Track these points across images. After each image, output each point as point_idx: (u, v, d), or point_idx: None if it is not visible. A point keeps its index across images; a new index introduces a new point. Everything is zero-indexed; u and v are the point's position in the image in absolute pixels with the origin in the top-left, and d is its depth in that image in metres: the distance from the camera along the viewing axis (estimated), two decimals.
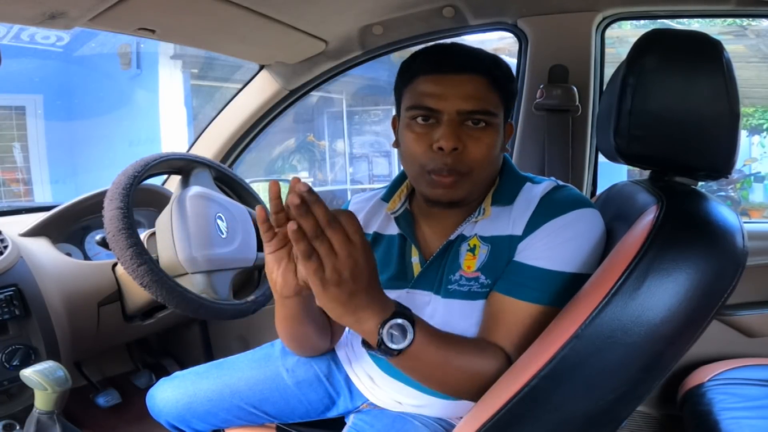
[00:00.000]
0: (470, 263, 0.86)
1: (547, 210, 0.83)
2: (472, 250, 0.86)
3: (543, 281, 0.79)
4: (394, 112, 0.93)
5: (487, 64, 0.82)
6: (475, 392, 0.76)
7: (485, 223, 0.87)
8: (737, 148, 0.71)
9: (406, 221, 0.93)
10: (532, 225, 0.83)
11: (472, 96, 0.80)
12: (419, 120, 0.82)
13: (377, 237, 0.97)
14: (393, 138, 0.93)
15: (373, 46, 1.55)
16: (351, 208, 1.02)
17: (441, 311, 0.87)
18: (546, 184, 0.88)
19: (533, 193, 0.86)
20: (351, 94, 6.95)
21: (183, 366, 1.75)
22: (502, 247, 0.85)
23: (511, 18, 1.44)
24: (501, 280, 0.83)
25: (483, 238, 0.86)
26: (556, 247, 0.80)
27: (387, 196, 0.97)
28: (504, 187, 0.89)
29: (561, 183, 0.89)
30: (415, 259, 0.92)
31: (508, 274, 0.83)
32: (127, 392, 1.69)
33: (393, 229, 0.95)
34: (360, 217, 0.97)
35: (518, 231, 0.84)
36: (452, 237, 0.88)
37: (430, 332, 0.72)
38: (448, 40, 0.91)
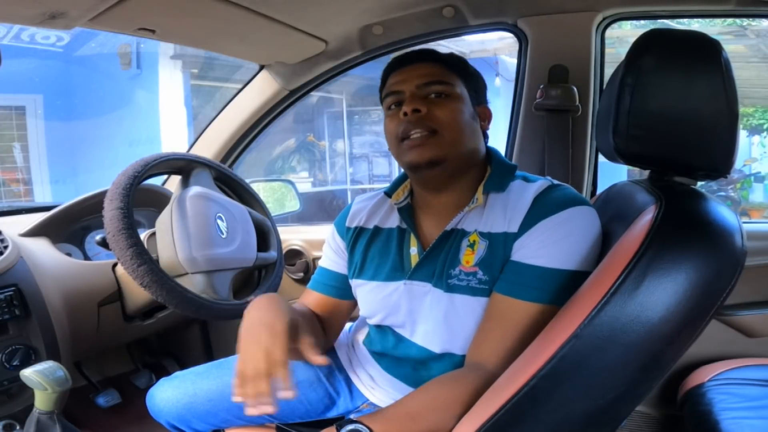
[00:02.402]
0: (469, 258, 0.87)
1: (542, 208, 0.83)
2: (472, 245, 0.88)
3: (542, 280, 0.80)
4: None
5: (439, 55, 0.95)
6: (459, 415, 0.76)
7: (483, 217, 0.88)
8: (736, 147, 0.71)
9: (407, 213, 0.97)
10: (528, 223, 0.83)
11: (428, 74, 0.92)
12: (392, 107, 0.94)
13: (377, 230, 1.00)
14: None
15: (373, 46, 1.55)
16: (353, 208, 1.06)
17: (445, 305, 0.88)
18: (540, 183, 0.88)
19: (528, 191, 0.87)
20: (351, 94, 6.96)
21: (183, 366, 1.75)
22: (498, 243, 0.85)
23: (511, 18, 1.44)
24: (500, 281, 0.84)
25: (482, 234, 0.88)
26: (553, 244, 0.80)
27: (391, 191, 1.01)
28: (495, 175, 0.92)
29: (556, 182, 0.90)
30: (413, 250, 0.94)
31: (506, 274, 0.84)
32: (127, 392, 1.69)
33: (392, 223, 0.99)
34: (362, 215, 1.04)
35: (514, 228, 0.84)
36: (449, 227, 0.91)
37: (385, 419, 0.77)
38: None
